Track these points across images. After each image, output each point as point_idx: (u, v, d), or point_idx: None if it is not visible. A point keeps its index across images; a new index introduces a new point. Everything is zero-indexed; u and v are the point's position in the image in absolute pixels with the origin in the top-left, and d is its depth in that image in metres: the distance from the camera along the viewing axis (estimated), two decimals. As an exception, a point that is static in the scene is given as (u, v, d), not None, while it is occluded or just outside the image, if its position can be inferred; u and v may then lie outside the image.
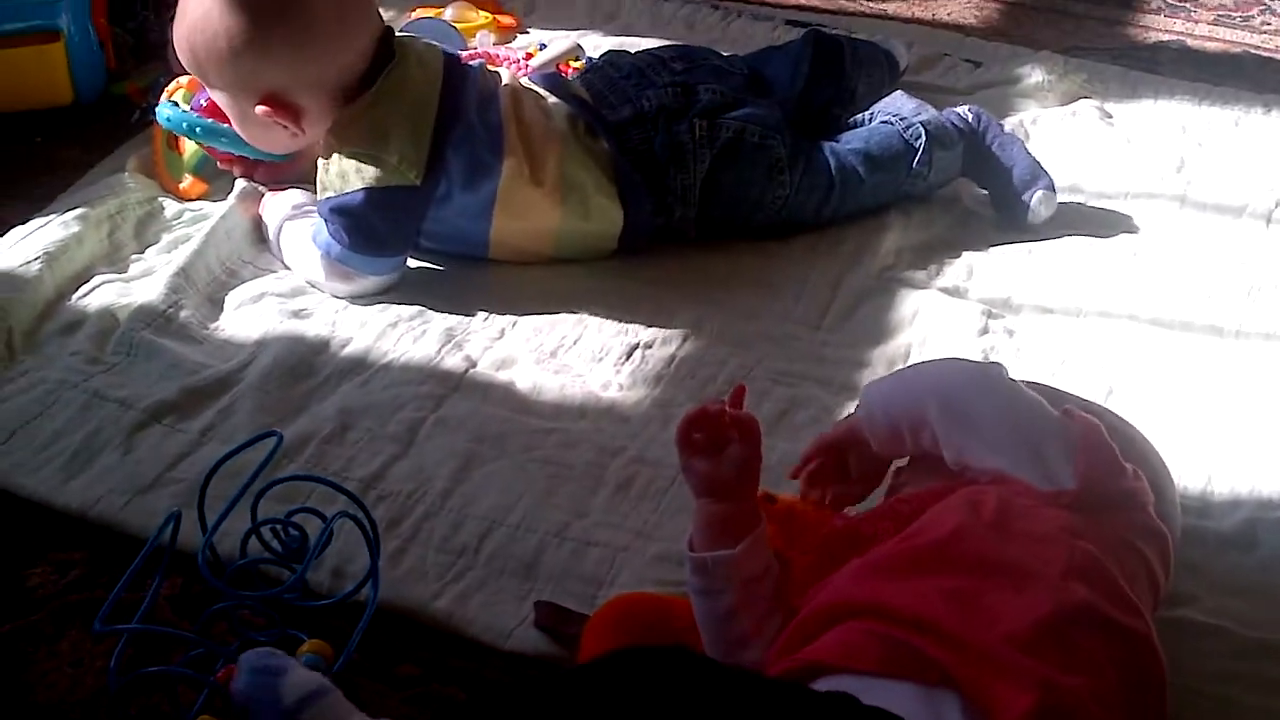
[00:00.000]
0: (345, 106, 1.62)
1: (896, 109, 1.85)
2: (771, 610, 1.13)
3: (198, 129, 1.72)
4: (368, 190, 1.60)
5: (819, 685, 1.00)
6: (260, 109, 1.61)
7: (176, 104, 1.73)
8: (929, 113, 1.83)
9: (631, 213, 1.71)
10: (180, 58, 1.63)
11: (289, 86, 1.60)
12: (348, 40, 1.60)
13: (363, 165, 1.60)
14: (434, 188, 1.63)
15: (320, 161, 1.64)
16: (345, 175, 1.61)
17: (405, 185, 1.61)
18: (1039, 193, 1.80)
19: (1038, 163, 1.83)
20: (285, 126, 1.63)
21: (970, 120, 1.85)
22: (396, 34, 1.67)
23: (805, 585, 1.14)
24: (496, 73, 1.74)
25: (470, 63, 1.73)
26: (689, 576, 1.15)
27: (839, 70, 1.89)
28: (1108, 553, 1.09)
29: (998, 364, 1.29)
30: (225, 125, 1.70)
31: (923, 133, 1.79)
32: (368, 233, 1.62)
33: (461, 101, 1.64)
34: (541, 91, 1.74)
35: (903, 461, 1.29)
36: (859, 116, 1.88)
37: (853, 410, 1.34)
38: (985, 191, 1.87)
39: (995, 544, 1.08)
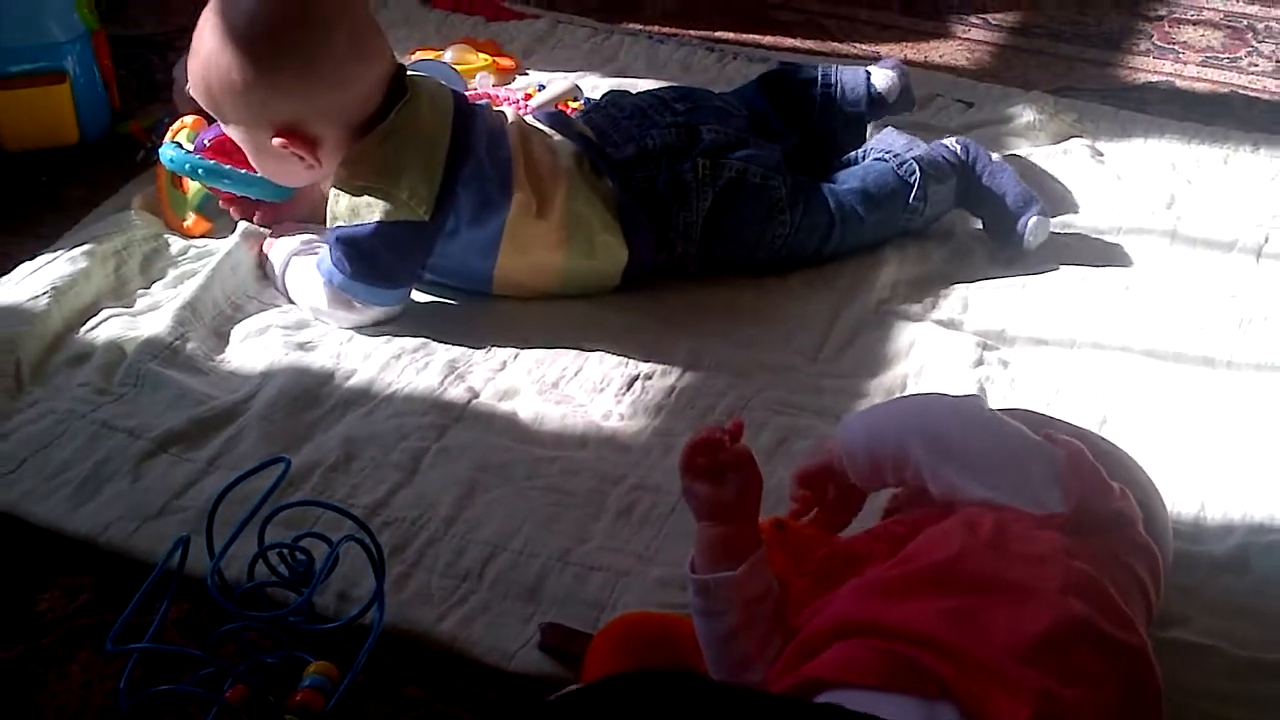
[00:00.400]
0: (359, 140, 1.63)
1: (888, 145, 1.87)
2: (772, 631, 1.15)
3: (199, 170, 1.73)
4: (377, 224, 1.62)
5: (819, 700, 1.02)
6: (277, 141, 1.62)
7: (180, 145, 1.75)
8: (921, 148, 1.86)
9: (635, 250, 1.73)
10: (195, 94, 1.64)
11: (304, 117, 1.61)
12: (361, 70, 1.61)
13: (373, 199, 1.62)
14: (442, 223, 1.65)
15: (331, 192, 1.65)
16: (355, 208, 1.63)
17: (414, 220, 1.63)
18: (1033, 219, 1.83)
19: (1028, 189, 1.86)
20: (301, 158, 1.64)
21: (960, 153, 1.88)
22: (408, 72, 1.68)
23: (802, 605, 1.15)
24: (502, 111, 1.76)
25: (477, 102, 1.75)
26: (691, 598, 1.16)
27: (792, 97, 1.92)
28: (1103, 571, 1.11)
29: (975, 395, 1.31)
30: (227, 166, 1.72)
31: (916, 169, 1.82)
32: (373, 265, 1.64)
33: (472, 138, 1.66)
34: (547, 129, 1.76)
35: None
36: (853, 154, 1.90)
37: (825, 441, 1.34)
38: (979, 221, 1.89)
39: (993, 564, 1.09)
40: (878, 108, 1.94)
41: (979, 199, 1.87)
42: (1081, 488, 1.17)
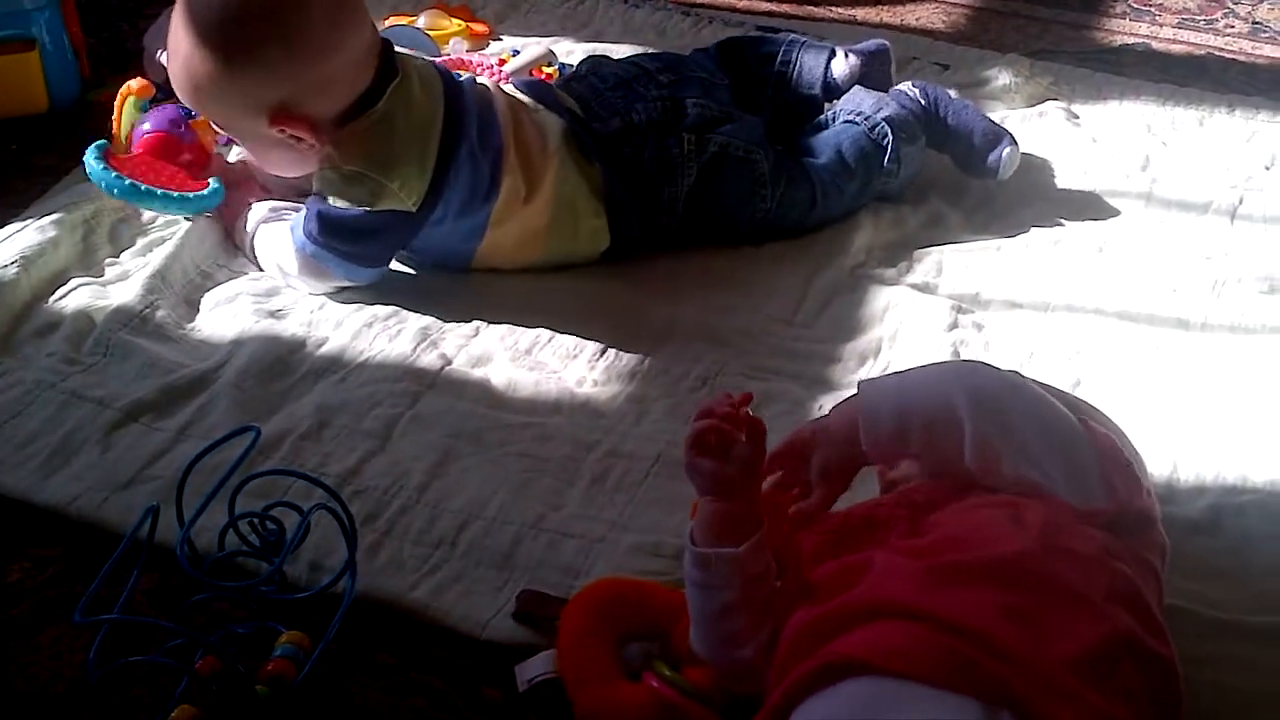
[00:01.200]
0: (350, 122, 1.60)
1: (856, 106, 1.86)
2: (767, 611, 1.12)
3: (115, 190, 1.67)
4: (364, 211, 1.60)
5: (853, 684, 0.98)
6: (274, 128, 1.58)
7: (104, 158, 1.70)
8: (888, 105, 1.85)
9: (618, 232, 1.72)
10: (183, 97, 1.60)
11: (295, 96, 1.56)
12: (342, 36, 1.56)
13: (362, 184, 1.59)
14: (429, 214, 1.63)
15: (318, 170, 1.62)
16: (342, 191, 1.60)
17: (401, 210, 1.61)
18: (1005, 151, 1.86)
19: (993, 123, 1.90)
20: (301, 139, 1.59)
21: (921, 99, 1.88)
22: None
23: (816, 563, 1.12)
24: (486, 86, 1.72)
25: (458, 75, 1.71)
26: (689, 569, 1.14)
27: (747, 70, 1.91)
28: (1136, 574, 1.09)
29: (1018, 372, 1.25)
30: (145, 186, 1.67)
31: (888, 130, 1.82)
32: (352, 245, 1.62)
33: (464, 124, 1.63)
34: (531, 102, 1.73)
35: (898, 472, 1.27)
36: (822, 117, 1.89)
37: (822, 414, 1.31)
38: (949, 157, 1.92)
39: (1047, 563, 1.06)
40: (833, 93, 1.92)
41: (946, 138, 1.89)
42: (1121, 485, 1.15)
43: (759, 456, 1.15)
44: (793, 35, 2.00)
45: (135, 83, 1.77)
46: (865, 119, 1.83)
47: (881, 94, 1.88)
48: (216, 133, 1.76)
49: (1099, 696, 0.97)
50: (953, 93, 1.95)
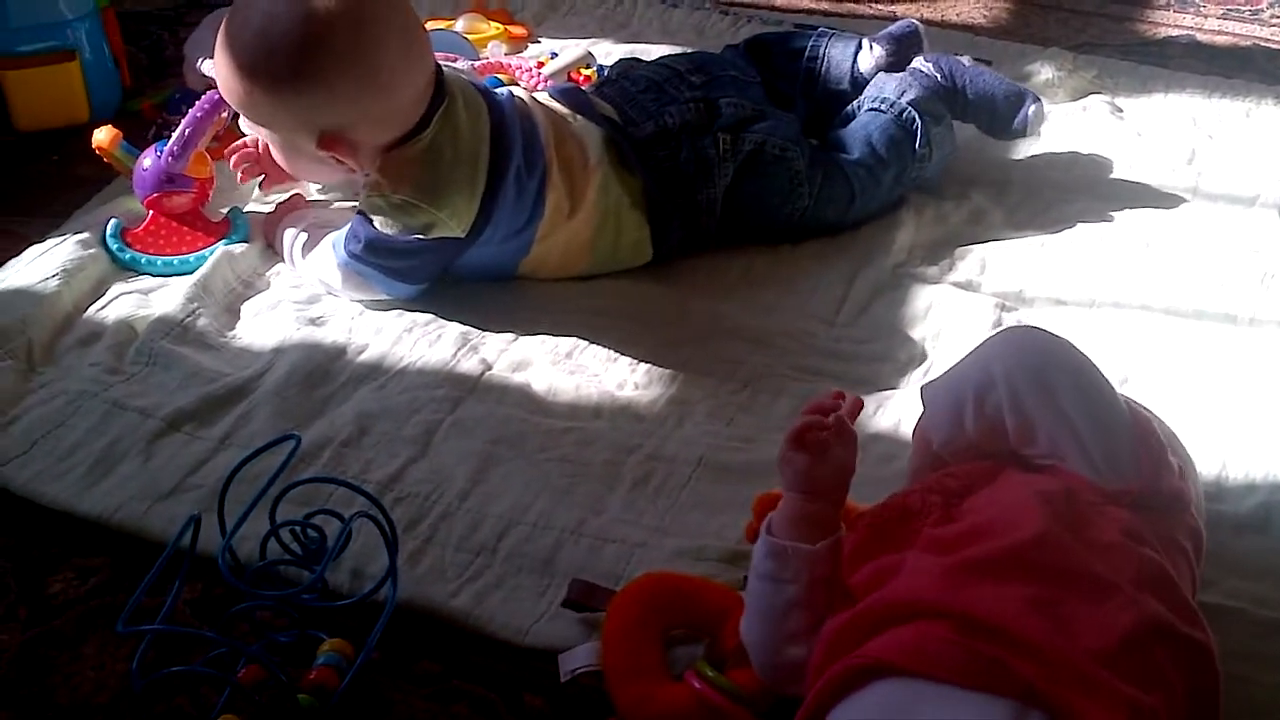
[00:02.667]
0: (398, 146, 1.58)
1: (879, 92, 1.85)
2: (824, 613, 1.11)
3: (135, 267, 1.70)
4: (412, 236, 1.59)
5: (884, 686, 0.98)
6: (320, 149, 1.56)
7: (118, 237, 1.71)
8: (912, 89, 1.84)
9: (660, 241, 1.72)
10: (232, 98, 1.58)
11: (353, 123, 1.55)
12: (411, 75, 1.55)
13: (411, 212, 1.58)
14: (477, 237, 1.62)
15: (364, 194, 1.61)
16: (391, 217, 1.58)
17: (449, 237, 1.60)
18: (1031, 109, 1.87)
19: (1014, 84, 1.91)
20: (342, 162, 1.59)
21: (940, 76, 1.87)
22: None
23: (854, 564, 1.12)
24: (525, 101, 1.69)
25: (497, 93, 1.68)
26: (760, 559, 1.13)
27: (774, 69, 1.90)
28: (1167, 559, 1.08)
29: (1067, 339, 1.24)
30: (144, 258, 1.69)
31: (915, 115, 1.81)
32: (396, 265, 1.62)
33: (510, 149, 1.60)
34: (569, 113, 1.71)
35: None
36: (848, 108, 1.87)
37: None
38: (975, 125, 1.93)
39: (1073, 550, 1.06)
40: (861, 87, 1.90)
41: (968, 108, 1.89)
42: (1151, 462, 1.14)
43: (853, 463, 1.14)
44: (820, 29, 1.99)
45: (103, 135, 1.75)
46: (890, 105, 1.82)
47: (902, 75, 1.87)
48: (208, 162, 1.74)
49: (1132, 687, 0.96)
50: (966, 60, 1.93)
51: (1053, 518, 1.07)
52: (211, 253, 1.70)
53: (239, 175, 1.78)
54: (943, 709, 0.96)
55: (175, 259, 1.70)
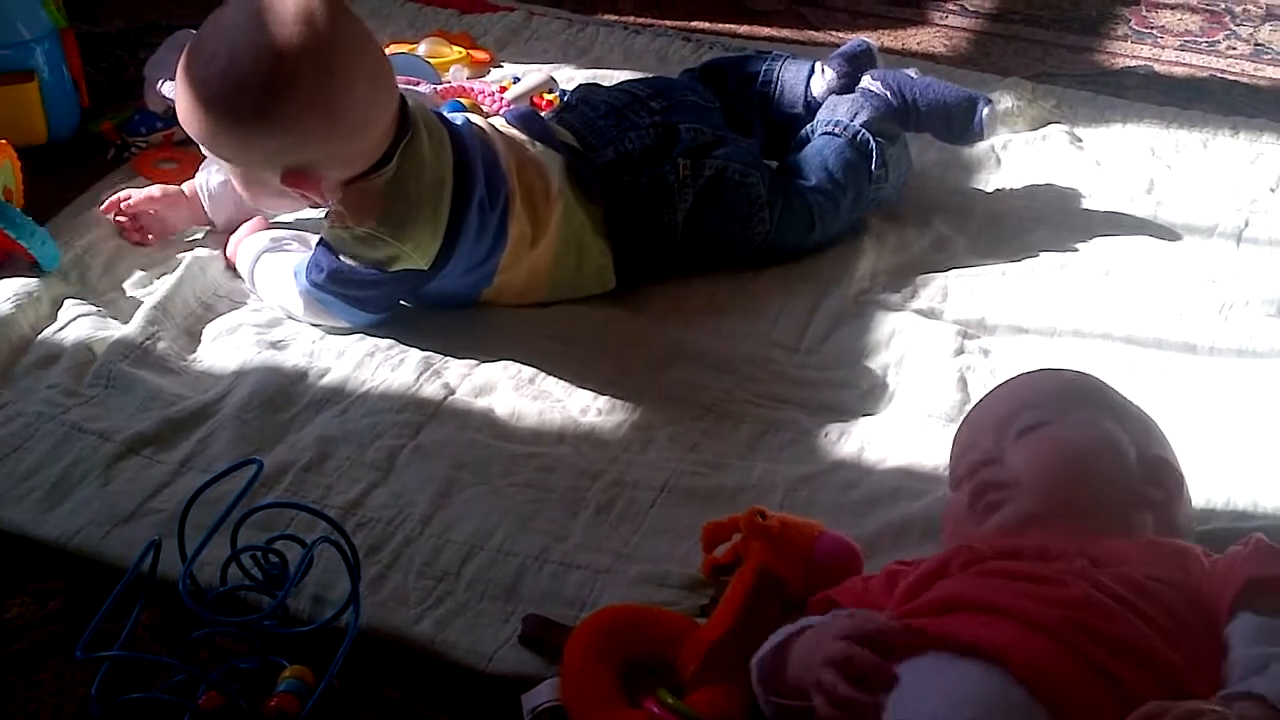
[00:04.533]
0: (362, 179, 1.57)
1: (832, 115, 1.85)
2: None
3: None
4: (373, 268, 1.58)
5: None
6: (285, 183, 1.55)
7: None
8: (864, 110, 1.84)
9: (623, 268, 1.72)
10: (195, 132, 1.56)
11: (318, 162, 1.54)
12: (379, 114, 1.54)
13: (374, 245, 1.57)
14: (440, 269, 1.61)
15: (327, 224, 1.61)
16: (353, 249, 1.58)
17: (412, 269, 1.60)
18: (984, 112, 1.88)
19: (961, 89, 1.92)
20: (306, 196, 1.59)
21: (890, 95, 1.87)
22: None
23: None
24: (483, 129, 1.68)
25: (456, 121, 1.67)
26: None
27: (728, 93, 1.90)
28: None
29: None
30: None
31: (869, 137, 1.81)
32: (358, 295, 1.61)
33: (473, 179, 1.60)
34: (528, 140, 1.70)
35: None
36: (804, 131, 1.87)
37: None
38: (928, 134, 1.94)
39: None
40: (815, 111, 1.90)
41: (920, 120, 1.90)
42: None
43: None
44: (774, 53, 2.00)
45: None
46: (844, 128, 1.82)
47: (853, 97, 1.87)
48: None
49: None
50: (912, 72, 1.94)
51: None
52: None
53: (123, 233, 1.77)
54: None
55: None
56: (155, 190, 1.78)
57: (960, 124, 1.90)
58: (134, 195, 1.77)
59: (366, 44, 1.55)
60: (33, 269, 1.68)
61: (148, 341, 1.59)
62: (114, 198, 1.78)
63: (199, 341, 1.64)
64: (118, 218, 1.77)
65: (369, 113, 1.53)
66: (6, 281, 1.66)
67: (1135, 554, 1.14)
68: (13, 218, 1.65)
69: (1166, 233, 1.88)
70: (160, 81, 1.88)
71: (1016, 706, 0.99)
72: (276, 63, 1.48)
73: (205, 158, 1.73)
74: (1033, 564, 1.12)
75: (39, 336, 1.61)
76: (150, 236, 1.77)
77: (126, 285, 1.72)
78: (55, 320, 1.63)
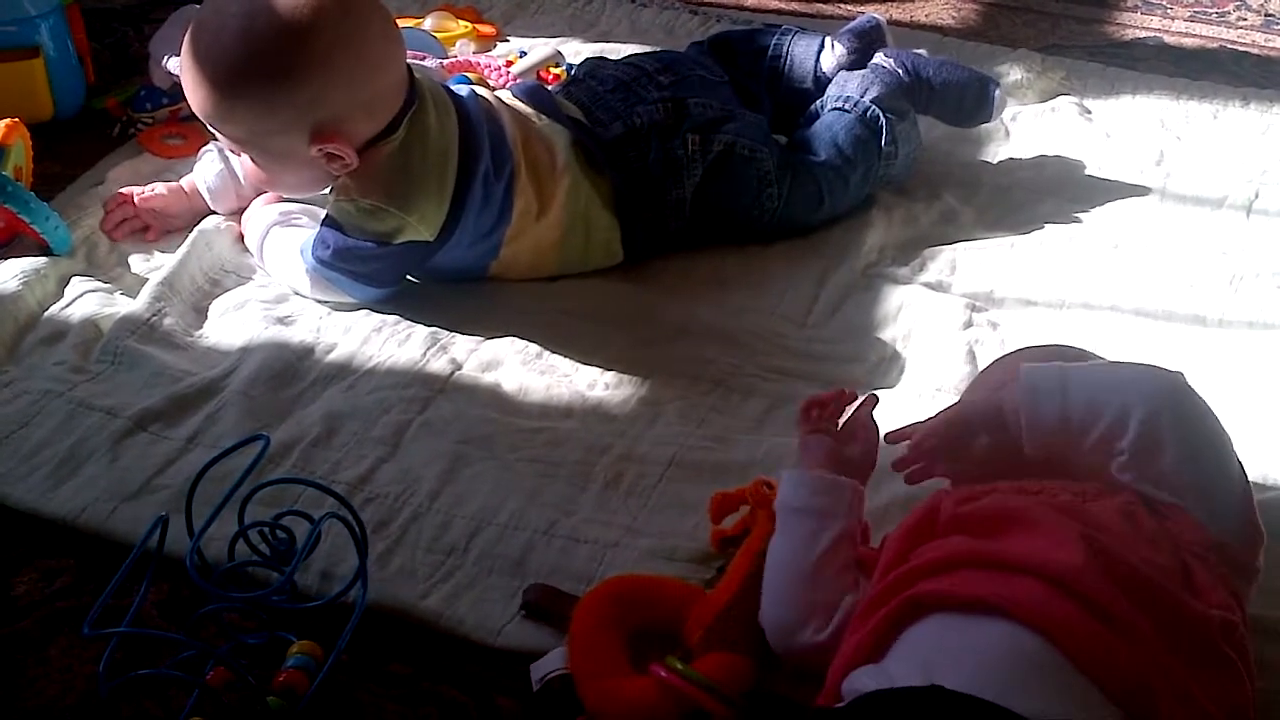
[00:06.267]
0: (370, 148, 1.56)
1: (842, 91, 1.84)
2: (843, 588, 1.15)
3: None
4: (380, 241, 1.58)
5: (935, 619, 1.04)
6: (313, 147, 1.52)
7: None
8: (875, 86, 1.83)
9: (630, 241, 1.71)
10: (209, 109, 1.53)
11: (346, 112, 1.52)
12: (394, 55, 1.54)
13: (380, 217, 1.56)
14: (445, 241, 1.61)
15: (332, 199, 1.60)
16: (359, 221, 1.57)
17: (418, 241, 1.59)
18: (995, 94, 1.89)
19: (973, 70, 1.92)
20: (338, 158, 1.54)
21: (901, 73, 1.87)
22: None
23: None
24: (489, 101, 1.67)
25: (462, 94, 1.66)
26: (803, 497, 1.18)
27: (738, 67, 1.89)
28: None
29: (1180, 375, 1.21)
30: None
31: (879, 112, 1.80)
32: (365, 269, 1.61)
33: (478, 151, 1.60)
34: (534, 113, 1.69)
35: None
36: (811, 107, 1.87)
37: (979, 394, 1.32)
38: (938, 116, 1.93)
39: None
40: (824, 86, 1.89)
41: (933, 99, 1.90)
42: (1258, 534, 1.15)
43: (874, 453, 1.24)
44: (783, 27, 1.99)
45: None
46: (854, 104, 1.82)
47: (864, 72, 1.86)
48: None
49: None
50: (922, 51, 1.94)
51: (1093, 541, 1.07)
52: None
53: (115, 233, 1.75)
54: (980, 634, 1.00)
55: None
56: (161, 187, 1.78)
57: (971, 104, 1.89)
58: (140, 192, 1.77)
59: None
60: (43, 251, 1.68)
61: (154, 318, 1.59)
62: (122, 193, 1.77)
63: (206, 317, 1.64)
64: (119, 210, 1.76)
65: (387, 51, 1.53)
66: (14, 260, 1.66)
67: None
68: (25, 200, 1.64)
69: (1176, 204, 1.88)
70: (166, 57, 1.88)
71: (1044, 663, 0.99)
72: (294, 11, 1.47)
73: (205, 143, 1.74)
74: (1018, 499, 1.12)
75: (46, 314, 1.61)
76: (150, 232, 1.76)
77: (133, 261, 1.71)
78: (62, 297, 1.63)
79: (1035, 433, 1.19)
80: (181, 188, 1.78)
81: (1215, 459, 1.16)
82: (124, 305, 1.61)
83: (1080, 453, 1.18)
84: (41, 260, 1.66)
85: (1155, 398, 1.15)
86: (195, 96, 1.54)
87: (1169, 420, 1.15)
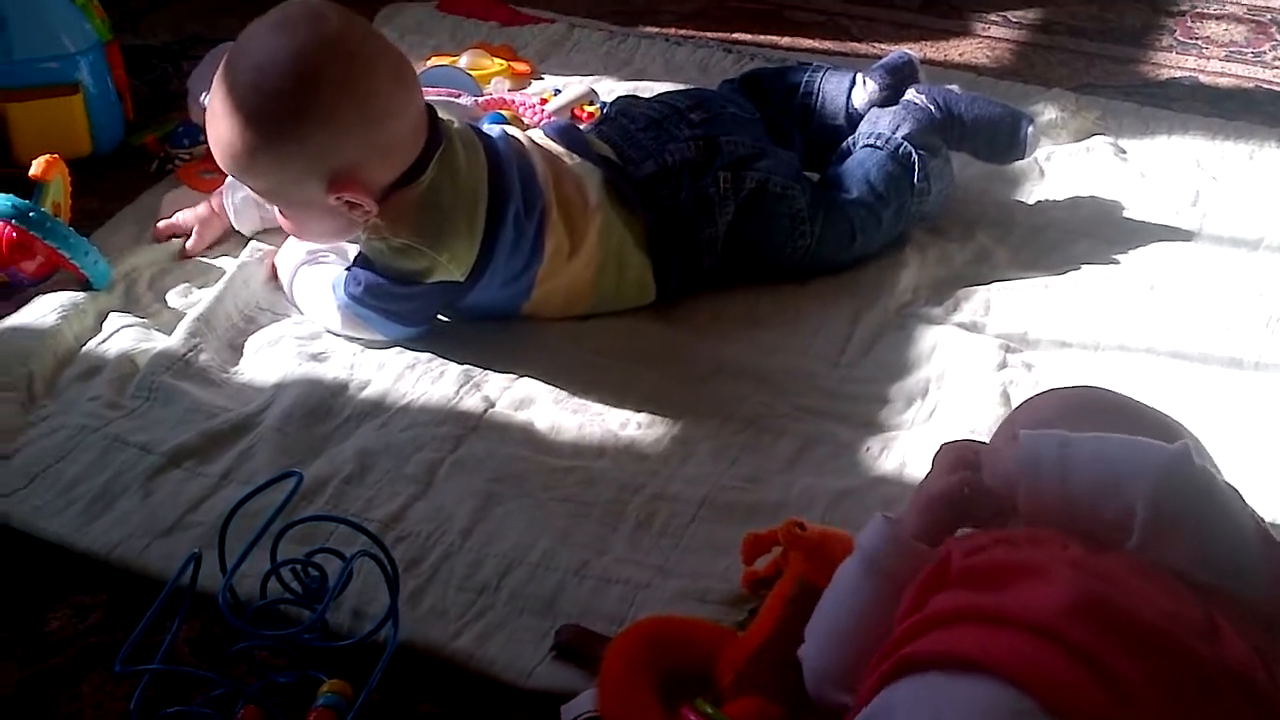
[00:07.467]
0: (398, 189, 1.57)
1: (873, 128, 1.84)
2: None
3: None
4: (411, 280, 1.59)
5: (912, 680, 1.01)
6: (331, 195, 1.54)
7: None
8: (906, 123, 1.83)
9: (663, 279, 1.71)
10: (229, 162, 1.55)
11: (359, 160, 1.53)
12: (405, 101, 1.54)
13: (411, 256, 1.57)
14: (476, 281, 1.61)
15: (364, 237, 1.61)
16: (390, 260, 1.58)
17: (449, 281, 1.60)
18: (1027, 130, 1.88)
19: (1005, 105, 1.91)
20: (357, 206, 1.55)
21: (933, 109, 1.87)
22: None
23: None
24: (520, 141, 1.68)
25: (493, 134, 1.67)
26: (889, 558, 1.13)
27: (769, 104, 1.89)
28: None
29: (1188, 448, 1.12)
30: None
31: (911, 149, 1.80)
32: (395, 308, 1.62)
33: (508, 190, 1.60)
34: (566, 153, 1.70)
35: None
36: (845, 144, 1.86)
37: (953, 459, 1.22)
38: (969, 152, 1.93)
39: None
40: (856, 122, 1.89)
41: (965, 135, 1.89)
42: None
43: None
44: (814, 64, 1.99)
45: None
46: (886, 141, 1.82)
47: (895, 109, 1.86)
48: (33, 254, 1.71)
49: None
50: (954, 87, 1.94)
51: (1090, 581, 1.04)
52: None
53: (188, 245, 1.79)
54: (960, 692, 0.97)
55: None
56: (201, 209, 1.81)
57: (1003, 141, 1.89)
58: (185, 216, 1.81)
59: (378, 38, 1.57)
60: (82, 286, 1.69)
61: (189, 354, 1.60)
62: (169, 223, 1.80)
63: (241, 354, 1.65)
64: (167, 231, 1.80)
65: (395, 97, 1.53)
66: (53, 294, 1.67)
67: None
68: (65, 236, 1.66)
69: (1213, 245, 1.87)
70: (203, 94, 1.89)
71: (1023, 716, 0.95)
72: (299, 63, 1.49)
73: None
74: (1028, 551, 1.09)
75: (83, 349, 1.62)
76: (189, 247, 1.79)
77: (170, 297, 1.72)
78: (100, 332, 1.64)
79: (1034, 507, 1.13)
80: (211, 207, 1.80)
81: (1229, 532, 1.11)
82: (160, 341, 1.62)
83: (1082, 527, 1.12)
84: (80, 295, 1.67)
85: (1159, 485, 1.09)
86: (215, 150, 1.56)
87: (1175, 509, 1.09)
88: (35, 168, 1.77)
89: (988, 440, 1.27)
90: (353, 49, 1.51)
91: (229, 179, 1.76)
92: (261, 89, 1.50)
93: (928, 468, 1.26)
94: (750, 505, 1.43)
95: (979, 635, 1.01)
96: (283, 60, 1.49)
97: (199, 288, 1.73)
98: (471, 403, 1.56)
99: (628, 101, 1.87)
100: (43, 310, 1.64)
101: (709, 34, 2.47)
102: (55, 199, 1.78)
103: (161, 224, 1.81)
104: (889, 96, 1.90)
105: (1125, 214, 1.94)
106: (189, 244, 1.79)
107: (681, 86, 2.00)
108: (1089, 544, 1.09)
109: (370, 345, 1.64)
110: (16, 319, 1.64)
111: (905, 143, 1.81)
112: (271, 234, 1.80)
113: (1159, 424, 1.23)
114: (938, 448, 1.23)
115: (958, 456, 1.21)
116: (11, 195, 1.66)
